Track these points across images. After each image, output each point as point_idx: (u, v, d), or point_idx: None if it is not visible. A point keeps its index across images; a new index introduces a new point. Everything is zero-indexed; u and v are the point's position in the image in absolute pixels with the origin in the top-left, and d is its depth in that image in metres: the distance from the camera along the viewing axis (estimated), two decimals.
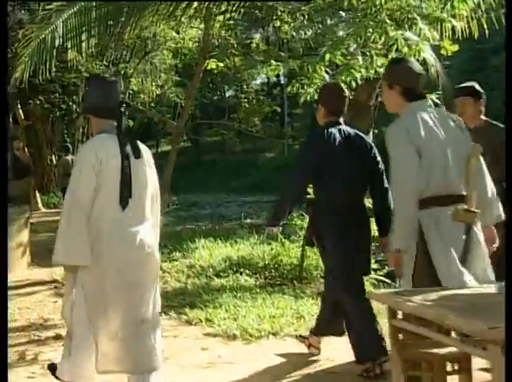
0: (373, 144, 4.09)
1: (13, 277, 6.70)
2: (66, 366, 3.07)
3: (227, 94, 38.15)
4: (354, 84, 6.00)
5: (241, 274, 6.45)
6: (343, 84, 6.07)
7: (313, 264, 6.51)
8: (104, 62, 13.09)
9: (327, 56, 6.24)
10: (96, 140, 3.14)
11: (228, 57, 11.29)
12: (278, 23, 10.78)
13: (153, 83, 14.01)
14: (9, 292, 6.04)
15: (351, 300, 3.73)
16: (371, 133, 8.67)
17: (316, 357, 4.03)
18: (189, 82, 15.41)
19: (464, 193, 2.97)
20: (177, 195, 23.06)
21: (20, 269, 7.11)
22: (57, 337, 4.51)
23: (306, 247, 6.50)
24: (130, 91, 13.97)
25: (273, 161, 30.02)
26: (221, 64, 10.87)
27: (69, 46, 7.91)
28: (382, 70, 6.16)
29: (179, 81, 15.21)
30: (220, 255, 7.15)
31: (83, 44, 7.92)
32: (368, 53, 6.00)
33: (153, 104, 14.92)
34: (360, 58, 5.99)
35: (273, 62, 6.53)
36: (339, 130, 3.83)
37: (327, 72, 6.33)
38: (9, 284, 6.29)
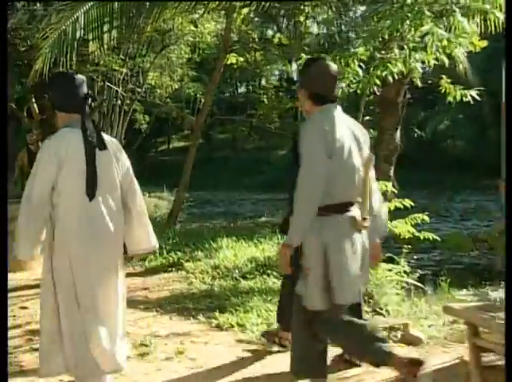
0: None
1: (31, 275, 6.51)
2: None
3: (240, 90, 37.93)
4: (390, 79, 5.75)
5: (268, 275, 6.20)
6: (377, 80, 5.88)
7: None
8: (121, 56, 12.83)
9: (361, 50, 5.99)
10: (57, 135, 3.17)
11: (248, 52, 11.05)
12: (302, 18, 10.59)
13: (170, 78, 13.77)
14: (31, 291, 5.85)
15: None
16: (398, 131, 8.41)
17: (360, 369, 3.78)
18: (206, 77, 15.15)
19: (359, 201, 3.01)
20: (190, 192, 22.85)
21: (41, 267, 6.89)
22: None
23: None
24: (147, 86, 13.75)
25: (286, 159, 29.73)
26: (241, 59, 10.68)
27: (90, 38, 7.70)
28: (418, 65, 5.92)
29: (196, 76, 14.94)
30: (245, 255, 6.91)
31: (105, 36, 7.71)
32: (406, 47, 5.73)
33: (168, 99, 14.66)
34: (397, 52, 5.73)
35: (303, 55, 6.26)
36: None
37: (360, 66, 6.06)
38: (30, 283, 6.11)
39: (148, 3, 7.88)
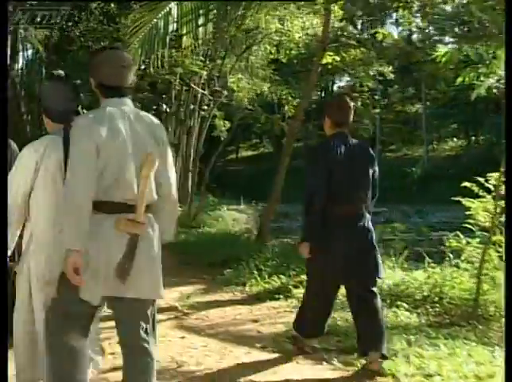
0: (374, 156, 4.37)
1: None
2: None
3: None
4: None
5: (397, 307, 5.41)
6: None
7: (489, 299, 5.40)
8: (200, 57, 12.29)
9: None
10: (37, 142, 3.18)
11: (345, 51, 10.30)
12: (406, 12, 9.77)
13: (253, 81, 13.15)
14: None
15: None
16: None
17: None
18: (292, 79, 14.47)
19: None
20: (264, 205, 22.17)
21: None
22: None
23: (482, 279, 5.45)
24: (230, 89, 13.14)
25: None
26: (337, 58, 9.96)
27: (184, 32, 7.15)
28: None
29: (280, 78, 14.17)
30: None
31: (200, 30, 7.14)
32: None
33: (247, 103, 14.00)
34: None
35: (439, 46, 5.47)
36: (344, 142, 4.17)
37: None
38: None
39: None
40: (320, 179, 4.01)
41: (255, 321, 5.36)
